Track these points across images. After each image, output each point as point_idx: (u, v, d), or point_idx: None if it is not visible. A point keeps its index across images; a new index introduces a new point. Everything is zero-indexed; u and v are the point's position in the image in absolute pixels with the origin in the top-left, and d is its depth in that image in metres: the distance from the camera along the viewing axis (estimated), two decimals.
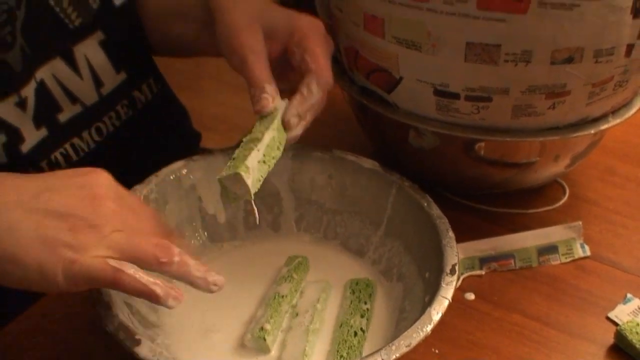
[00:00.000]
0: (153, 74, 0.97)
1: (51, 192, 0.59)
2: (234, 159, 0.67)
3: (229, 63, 0.76)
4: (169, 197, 0.77)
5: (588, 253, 0.84)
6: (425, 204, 0.74)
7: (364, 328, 0.70)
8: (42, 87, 0.81)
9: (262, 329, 0.68)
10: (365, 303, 0.73)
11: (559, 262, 0.83)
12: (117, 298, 0.64)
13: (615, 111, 0.82)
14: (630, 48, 0.73)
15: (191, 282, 0.61)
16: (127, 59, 0.90)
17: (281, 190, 0.82)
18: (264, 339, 0.68)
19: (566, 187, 0.93)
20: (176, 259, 0.60)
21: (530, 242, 0.83)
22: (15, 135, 0.78)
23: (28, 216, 0.57)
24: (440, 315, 0.63)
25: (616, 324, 0.75)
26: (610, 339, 0.73)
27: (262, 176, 0.68)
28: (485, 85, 0.74)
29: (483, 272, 0.81)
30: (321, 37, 0.75)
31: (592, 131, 0.80)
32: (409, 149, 0.84)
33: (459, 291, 0.78)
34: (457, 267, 0.67)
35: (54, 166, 0.81)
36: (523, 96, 0.74)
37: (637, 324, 0.72)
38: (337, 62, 0.89)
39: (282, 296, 0.72)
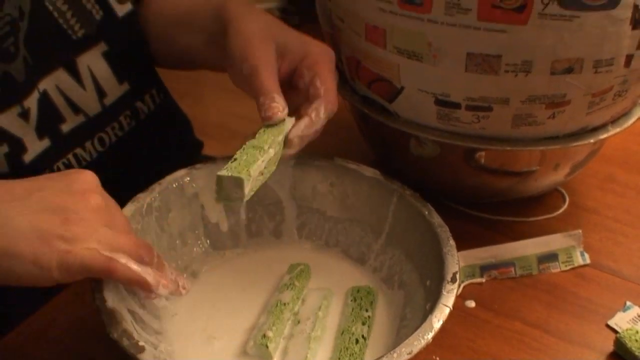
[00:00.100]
0: (156, 85, 0.97)
1: (42, 191, 0.61)
2: (235, 159, 0.68)
3: (234, 76, 0.76)
4: (172, 205, 0.77)
5: (588, 261, 0.84)
6: (426, 213, 0.75)
7: (365, 335, 0.71)
8: (45, 98, 0.81)
9: (264, 336, 0.69)
10: (367, 310, 0.73)
11: (559, 270, 0.83)
12: (121, 305, 0.65)
13: (614, 120, 0.83)
14: (629, 58, 0.74)
15: (159, 293, 0.65)
16: (129, 69, 0.91)
17: (283, 198, 0.83)
18: (267, 346, 0.68)
19: (566, 195, 0.94)
20: (155, 260, 0.64)
21: (530, 250, 0.84)
22: (17, 146, 0.78)
23: (21, 212, 0.59)
24: (441, 322, 0.63)
25: (616, 332, 0.75)
26: (609, 347, 0.74)
27: (256, 187, 0.69)
28: (485, 95, 0.74)
29: (484, 280, 0.82)
30: (332, 66, 0.76)
31: (592, 140, 0.80)
32: (410, 157, 0.85)
33: (460, 299, 0.79)
34: (457, 275, 0.68)
35: None
36: (523, 106, 0.75)
37: (637, 332, 0.73)
38: (339, 72, 0.90)
39: (284, 304, 0.73)
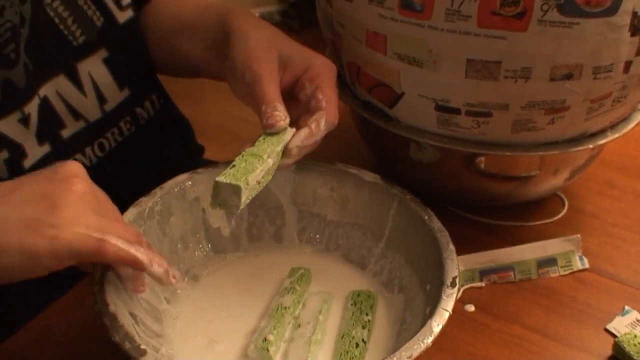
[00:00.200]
0: (156, 91, 0.97)
1: (27, 184, 0.61)
2: (233, 166, 0.68)
3: (233, 84, 0.76)
4: (174, 209, 0.78)
5: (587, 265, 0.84)
6: (426, 217, 0.75)
7: (365, 339, 0.71)
8: (45, 104, 0.81)
9: (265, 339, 0.69)
10: (367, 314, 0.73)
11: (558, 274, 0.84)
12: (123, 308, 0.65)
13: (613, 126, 0.83)
14: (628, 65, 0.74)
15: (153, 272, 0.64)
16: (130, 76, 0.91)
17: (284, 202, 0.83)
18: (267, 350, 0.68)
19: (565, 200, 0.94)
20: (144, 245, 0.63)
21: (529, 254, 0.84)
22: (17, 151, 0.78)
23: (6, 205, 0.59)
24: (440, 326, 0.64)
25: (614, 336, 0.76)
26: (608, 351, 0.74)
27: (252, 196, 0.69)
28: (485, 101, 0.75)
29: (483, 284, 0.82)
30: (334, 79, 0.76)
31: (591, 146, 0.81)
32: (410, 162, 0.85)
33: (460, 303, 0.79)
34: (457, 280, 0.68)
35: None
36: (523, 111, 0.75)
37: (635, 336, 0.73)
38: (339, 77, 0.90)
39: (285, 307, 0.73)
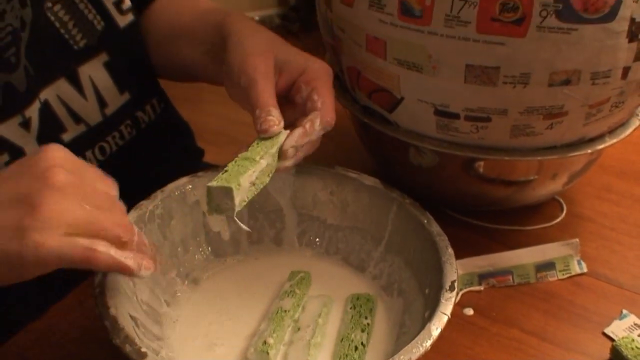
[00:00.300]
0: (157, 95, 0.98)
1: (3, 182, 0.58)
2: (226, 171, 0.68)
3: (229, 88, 0.76)
4: (174, 212, 0.78)
5: (585, 270, 0.85)
6: (426, 221, 0.76)
7: (364, 342, 0.71)
8: (46, 108, 0.81)
9: (265, 342, 0.69)
10: (366, 318, 0.74)
11: (556, 278, 0.84)
12: (123, 311, 0.66)
13: (611, 131, 0.84)
14: (626, 70, 0.75)
15: (141, 276, 0.62)
16: (131, 80, 0.91)
17: (284, 206, 0.83)
18: (267, 353, 0.69)
19: (564, 204, 0.94)
20: (135, 238, 0.61)
21: (528, 258, 0.85)
22: (18, 155, 0.78)
23: None
24: (439, 330, 0.64)
25: (612, 340, 0.76)
26: (606, 354, 0.74)
27: (248, 198, 0.68)
28: (484, 106, 0.75)
29: (482, 288, 0.82)
30: (330, 82, 0.76)
31: (589, 150, 0.81)
32: (409, 166, 0.86)
33: (458, 306, 0.79)
34: (456, 284, 0.68)
35: None
36: (521, 117, 0.76)
37: (633, 340, 0.73)
38: (339, 81, 0.91)
39: (285, 311, 0.73)
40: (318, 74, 0.75)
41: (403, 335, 0.72)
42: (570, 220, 0.93)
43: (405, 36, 0.74)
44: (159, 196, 0.77)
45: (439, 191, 0.88)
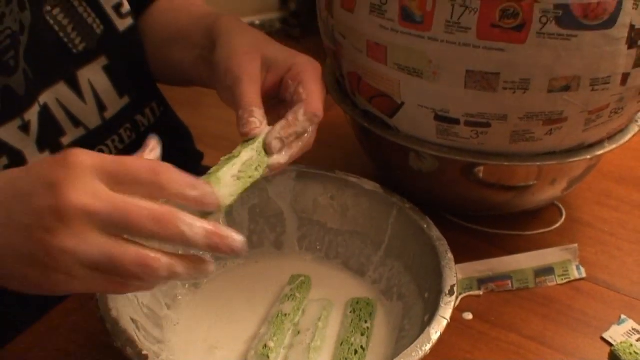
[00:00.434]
0: (156, 98, 0.97)
1: (20, 204, 0.55)
2: (209, 174, 0.66)
3: (220, 91, 0.75)
4: None
5: (584, 275, 0.85)
6: (425, 226, 0.76)
7: (364, 346, 0.72)
8: (45, 111, 0.81)
9: (265, 346, 0.70)
10: (366, 322, 0.74)
11: (555, 283, 0.84)
12: (124, 313, 0.66)
13: (611, 137, 0.84)
14: (625, 77, 0.75)
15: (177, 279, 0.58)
16: (130, 83, 0.91)
17: (284, 210, 0.84)
18: (267, 357, 0.69)
19: (563, 209, 0.95)
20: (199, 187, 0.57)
21: (527, 263, 0.85)
22: (18, 159, 0.78)
23: (12, 235, 0.55)
24: (438, 334, 0.64)
25: (610, 345, 0.76)
26: (604, 359, 0.75)
27: (235, 192, 0.65)
28: (484, 112, 0.76)
29: (481, 293, 0.83)
30: (318, 75, 0.74)
31: (589, 156, 0.81)
32: (409, 171, 0.86)
33: (457, 311, 0.79)
34: (455, 288, 0.69)
35: None
36: (521, 122, 0.76)
37: (631, 345, 0.74)
38: (340, 86, 0.91)
39: (285, 314, 0.74)
40: (304, 68, 0.74)
41: (402, 339, 0.72)
42: (569, 226, 0.93)
43: (406, 42, 0.75)
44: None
45: (439, 196, 0.88)
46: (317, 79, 0.74)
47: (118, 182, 0.54)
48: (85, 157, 0.54)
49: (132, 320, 0.67)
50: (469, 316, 0.80)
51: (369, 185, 0.81)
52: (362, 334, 0.73)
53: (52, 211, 0.52)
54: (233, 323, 0.76)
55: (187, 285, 0.79)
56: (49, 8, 0.83)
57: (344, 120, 0.95)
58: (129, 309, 0.68)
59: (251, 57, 0.73)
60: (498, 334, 0.78)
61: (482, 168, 0.82)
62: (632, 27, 0.71)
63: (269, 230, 0.84)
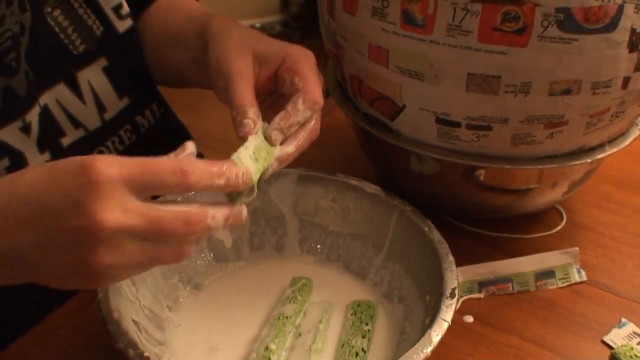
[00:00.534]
0: (156, 99, 0.97)
1: (53, 221, 0.55)
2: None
3: (217, 91, 0.75)
4: None
5: (584, 278, 0.85)
6: (426, 229, 0.76)
7: (365, 348, 0.72)
8: (45, 112, 0.81)
9: (267, 348, 0.70)
10: (367, 324, 0.74)
11: (555, 286, 0.84)
12: (126, 315, 0.66)
13: (611, 140, 0.84)
14: (626, 80, 0.75)
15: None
16: (130, 85, 0.91)
17: (286, 212, 0.84)
18: (269, 359, 0.69)
19: (563, 213, 0.95)
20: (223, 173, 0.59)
21: (528, 266, 0.85)
22: (18, 160, 0.78)
23: (54, 253, 0.56)
24: (439, 337, 0.65)
25: (611, 348, 0.76)
26: None
27: (257, 171, 0.64)
28: (485, 115, 0.76)
29: (482, 296, 0.83)
30: (312, 63, 0.74)
31: (589, 160, 0.82)
32: (410, 174, 0.86)
33: (458, 314, 0.79)
34: (456, 291, 0.69)
35: None
36: (522, 125, 0.76)
37: (631, 348, 0.74)
38: (341, 89, 0.91)
39: (287, 317, 0.74)
40: (297, 58, 0.73)
41: (403, 341, 0.72)
42: (570, 229, 0.93)
43: (407, 45, 0.75)
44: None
45: (440, 199, 0.89)
46: (311, 67, 0.73)
47: (145, 189, 0.55)
48: (109, 170, 0.53)
49: (134, 321, 0.67)
50: (469, 319, 0.80)
51: (370, 188, 0.81)
52: (363, 337, 0.73)
53: (86, 232, 0.53)
54: (234, 325, 0.76)
55: (188, 288, 0.79)
56: (49, 9, 0.83)
57: (345, 123, 0.95)
58: (130, 311, 0.68)
59: (241, 55, 0.73)
60: (499, 337, 0.78)
61: (483, 171, 0.82)
62: (633, 31, 0.71)
63: (270, 232, 0.84)
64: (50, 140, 0.82)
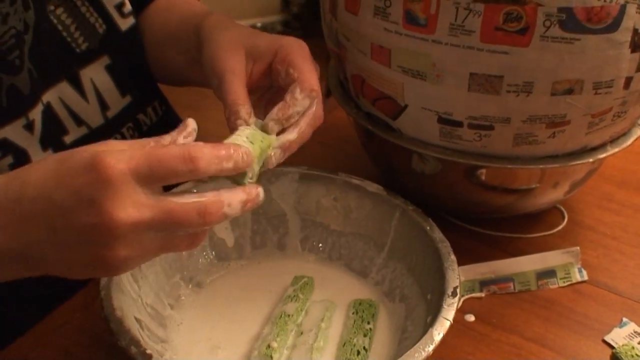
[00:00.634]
0: (158, 97, 0.98)
1: (64, 220, 0.54)
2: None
3: (214, 90, 0.75)
4: None
5: (585, 277, 0.85)
6: (428, 228, 0.76)
7: (366, 347, 0.72)
8: (48, 110, 0.81)
9: (269, 346, 0.70)
10: (368, 323, 0.74)
11: (557, 286, 0.84)
12: (129, 313, 0.66)
13: (613, 140, 0.84)
14: (628, 80, 0.75)
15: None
16: (132, 82, 0.91)
17: (287, 211, 0.84)
18: (271, 357, 0.69)
19: (565, 212, 0.95)
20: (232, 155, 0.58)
21: (529, 266, 0.85)
22: (22, 157, 0.78)
23: (70, 251, 0.56)
24: (441, 335, 0.65)
25: (612, 347, 0.76)
26: None
27: (255, 153, 0.63)
28: (487, 114, 0.76)
29: (483, 295, 0.83)
30: (305, 53, 0.73)
31: (591, 160, 0.82)
32: (412, 173, 0.86)
33: (460, 312, 0.79)
34: (458, 290, 0.69)
35: None
36: (524, 125, 0.76)
37: (632, 347, 0.74)
38: (343, 88, 0.91)
39: (288, 315, 0.74)
40: (290, 49, 0.73)
41: (405, 340, 0.72)
42: (571, 229, 0.93)
43: (409, 45, 0.75)
44: None
45: (442, 198, 0.89)
46: (305, 57, 0.73)
47: (155, 179, 0.55)
48: (117, 165, 0.53)
49: (136, 319, 0.68)
50: (470, 318, 0.80)
51: (372, 187, 0.82)
52: (365, 335, 0.73)
53: (101, 230, 0.53)
54: (236, 323, 0.76)
55: (190, 286, 0.79)
56: (52, 7, 0.83)
57: (347, 123, 0.95)
58: (133, 309, 0.68)
59: (233, 53, 0.73)
60: (500, 336, 0.78)
61: (484, 171, 0.82)
62: (635, 31, 0.72)
63: (272, 231, 0.84)
64: (53, 138, 0.82)
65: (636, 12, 0.71)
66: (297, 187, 0.84)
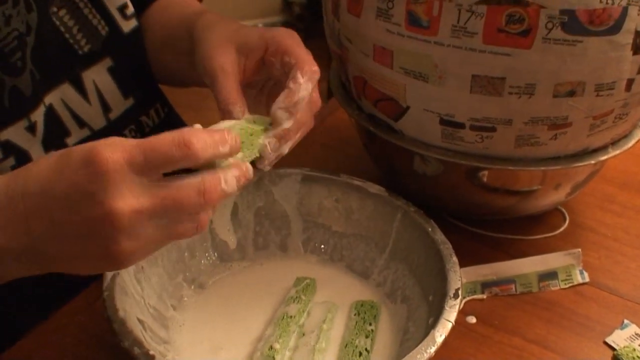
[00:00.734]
0: (160, 99, 0.98)
1: (66, 214, 0.55)
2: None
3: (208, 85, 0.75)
4: None
5: (587, 279, 0.85)
6: (430, 229, 0.76)
7: (368, 348, 0.72)
8: (51, 112, 0.82)
9: (271, 347, 0.70)
10: (370, 324, 0.74)
11: (558, 287, 0.84)
12: (131, 313, 0.66)
13: (615, 142, 0.84)
14: (630, 82, 0.75)
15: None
16: (134, 84, 0.91)
17: (290, 212, 0.84)
18: (273, 358, 0.69)
19: (566, 214, 0.95)
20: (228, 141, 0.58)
21: (530, 268, 0.85)
22: (24, 159, 0.78)
23: (74, 245, 0.56)
24: (443, 337, 0.65)
25: (613, 349, 0.77)
26: None
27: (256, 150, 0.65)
28: (489, 116, 0.76)
29: (485, 296, 0.83)
30: (296, 39, 0.73)
31: (593, 161, 0.82)
32: (414, 175, 0.86)
33: (461, 314, 0.79)
34: (460, 291, 0.69)
35: None
36: (526, 127, 0.76)
37: (634, 349, 0.74)
38: (345, 90, 0.91)
39: (291, 316, 0.74)
40: (281, 39, 0.72)
41: (407, 341, 0.72)
42: (572, 230, 0.93)
43: (412, 46, 0.75)
44: None
45: (444, 200, 0.89)
46: (298, 42, 0.73)
47: (151, 167, 0.54)
48: (112, 157, 0.53)
49: (139, 320, 0.68)
50: (472, 320, 0.80)
51: (374, 188, 0.82)
52: (367, 337, 0.73)
53: (102, 222, 0.53)
54: (238, 324, 0.76)
55: (192, 287, 0.79)
56: (55, 9, 0.83)
57: (349, 124, 0.95)
58: (135, 310, 0.68)
59: (224, 51, 0.73)
60: (501, 338, 0.78)
61: (486, 172, 0.82)
62: (637, 33, 0.72)
63: (274, 232, 0.85)
64: (55, 140, 0.82)
65: (638, 15, 0.71)
66: (299, 188, 0.84)
